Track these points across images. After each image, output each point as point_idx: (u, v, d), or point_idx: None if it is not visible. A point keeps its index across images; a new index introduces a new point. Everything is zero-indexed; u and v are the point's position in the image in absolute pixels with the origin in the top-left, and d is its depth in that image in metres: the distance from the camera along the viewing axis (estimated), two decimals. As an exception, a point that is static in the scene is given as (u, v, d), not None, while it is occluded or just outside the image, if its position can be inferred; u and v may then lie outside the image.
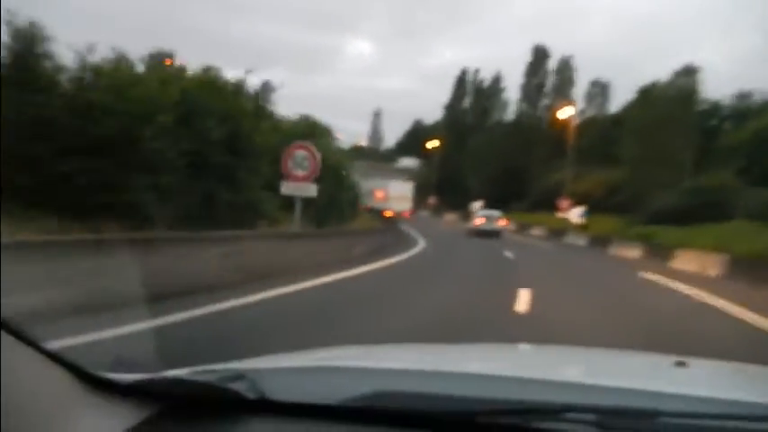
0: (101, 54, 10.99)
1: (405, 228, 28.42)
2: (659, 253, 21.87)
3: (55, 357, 1.02)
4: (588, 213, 33.97)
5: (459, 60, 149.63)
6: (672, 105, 33.08)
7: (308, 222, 15.71)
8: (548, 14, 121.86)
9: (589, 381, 1.42)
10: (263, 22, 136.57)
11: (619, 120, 42.85)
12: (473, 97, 67.51)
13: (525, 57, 57.99)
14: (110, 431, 1.05)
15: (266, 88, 17.05)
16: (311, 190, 13.53)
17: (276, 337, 5.44)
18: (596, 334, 6.87)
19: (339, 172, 20.42)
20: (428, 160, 66.36)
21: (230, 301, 6.91)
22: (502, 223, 31.08)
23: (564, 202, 35.53)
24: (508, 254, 19.68)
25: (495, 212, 32.50)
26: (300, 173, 13.49)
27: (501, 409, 1.10)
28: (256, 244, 10.34)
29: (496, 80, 65.01)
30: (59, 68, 10.80)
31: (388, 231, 23.32)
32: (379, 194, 35.75)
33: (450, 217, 53.66)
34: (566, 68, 55.90)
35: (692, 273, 17.39)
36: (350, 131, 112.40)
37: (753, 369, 1.94)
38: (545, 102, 56.03)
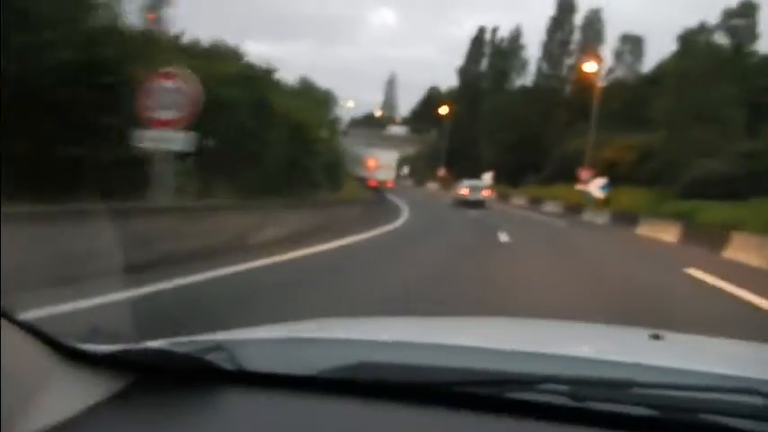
0: None
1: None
2: (704, 236, 16.88)
3: (29, 328, 0.99)
4: (608, 187, 28.77)
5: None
6: (720, 53, 27.12)
7: (248, 191, 12.10)
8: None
9: (566, 352, 1.38)
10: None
11: (653, 80, 37.11)
12: (490, 59, 61.38)
13: (548, 20, 51.76)
14: (85, 402, 1.02)
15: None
16: (178, 141, 8.78)
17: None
18: None
19: (307, 132, 16.31)
20: (441, 129, 61.41)
21: None
22: (486, 194, 32.98)
23: (585, 173, 30.43)
24: (504, 237, 14.94)
25: (480, 183, 35.34)
26: (166, 115, 8.78)
27: (478, 380, 1.11)
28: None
29: (515, 38, 58.51)
30: None
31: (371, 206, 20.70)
32: (371, 163, 32.88)
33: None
34: (594, 22, 49.51)
35: (756, 267, 12.73)
36: (367, 102, 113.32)
37: (728, 343, 2.00)
38: (569, 62, 49.92)
